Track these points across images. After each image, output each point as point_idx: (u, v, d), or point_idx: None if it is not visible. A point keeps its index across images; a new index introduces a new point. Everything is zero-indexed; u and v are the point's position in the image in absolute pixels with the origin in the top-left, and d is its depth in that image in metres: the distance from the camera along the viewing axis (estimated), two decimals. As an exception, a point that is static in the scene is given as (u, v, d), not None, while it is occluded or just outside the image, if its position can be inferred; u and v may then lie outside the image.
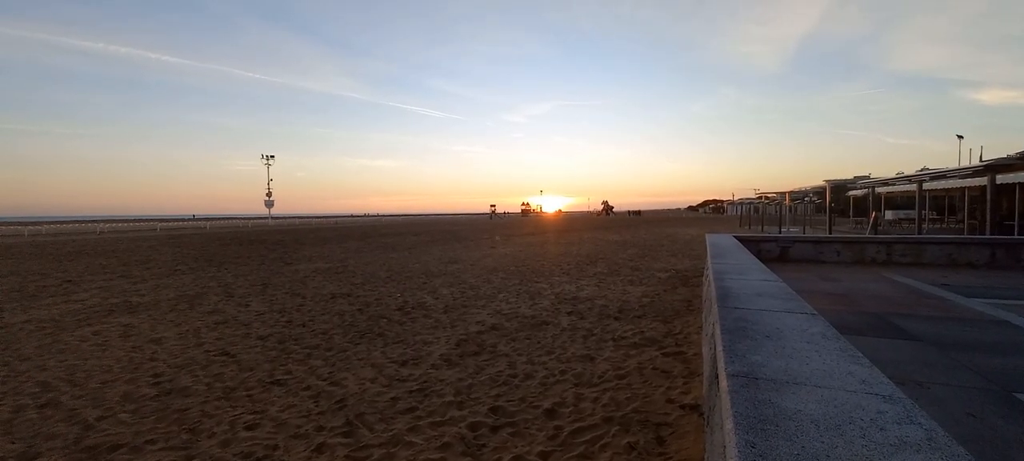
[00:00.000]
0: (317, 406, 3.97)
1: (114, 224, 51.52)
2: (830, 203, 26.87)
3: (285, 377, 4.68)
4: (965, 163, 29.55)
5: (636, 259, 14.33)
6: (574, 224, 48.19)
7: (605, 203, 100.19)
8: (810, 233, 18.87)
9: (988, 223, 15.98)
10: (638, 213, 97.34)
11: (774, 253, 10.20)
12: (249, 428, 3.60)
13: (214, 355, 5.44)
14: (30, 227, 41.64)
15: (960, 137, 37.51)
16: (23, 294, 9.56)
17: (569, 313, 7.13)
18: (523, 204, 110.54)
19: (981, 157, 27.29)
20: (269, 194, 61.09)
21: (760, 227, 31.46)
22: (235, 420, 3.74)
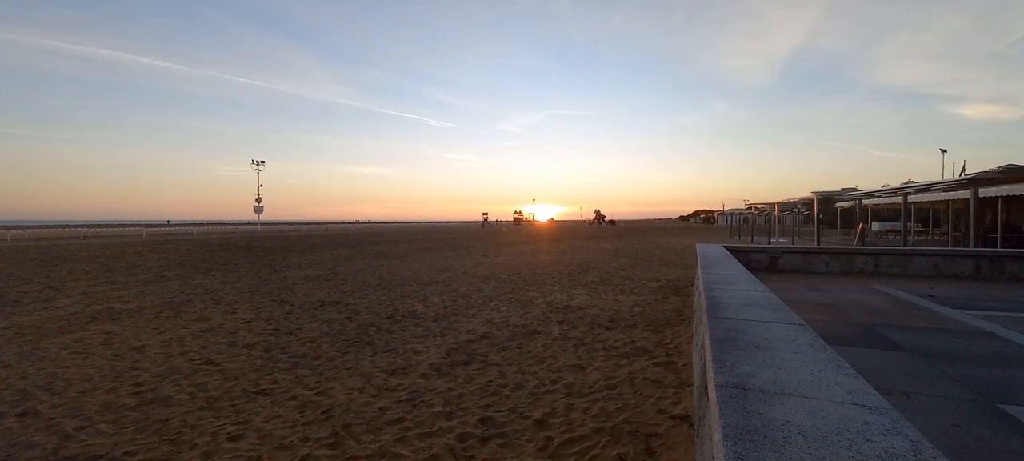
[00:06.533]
0: (303, 416, 3.90)
1: (99, 229, 50.66)
2: (818, 214, 27.18)
3: (271, 387, 4.60)
4: (948, 176, 30.15)
5: (628, 268, 14.37)
6: (566, 233, 48.30)
7: (597, 212, 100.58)
8: (799, 244, 19.09)
9: (972, 236, 16.28)
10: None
11: (764, 263, 10.29)
12: (232, 439, 3.53)
13: (198, 364, 5.33)
14: (13, 231, 40.79)
15: (943, 151, 38.42)
16: (4, 300, 9.34)
17: (560, 322, 7.11)
18: (515, 212, 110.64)
19: (963, 170, 27.87)
20: (259, 200, 60.56)
21: (750, 238, 31.76)
22: (218, 431, 3.66)
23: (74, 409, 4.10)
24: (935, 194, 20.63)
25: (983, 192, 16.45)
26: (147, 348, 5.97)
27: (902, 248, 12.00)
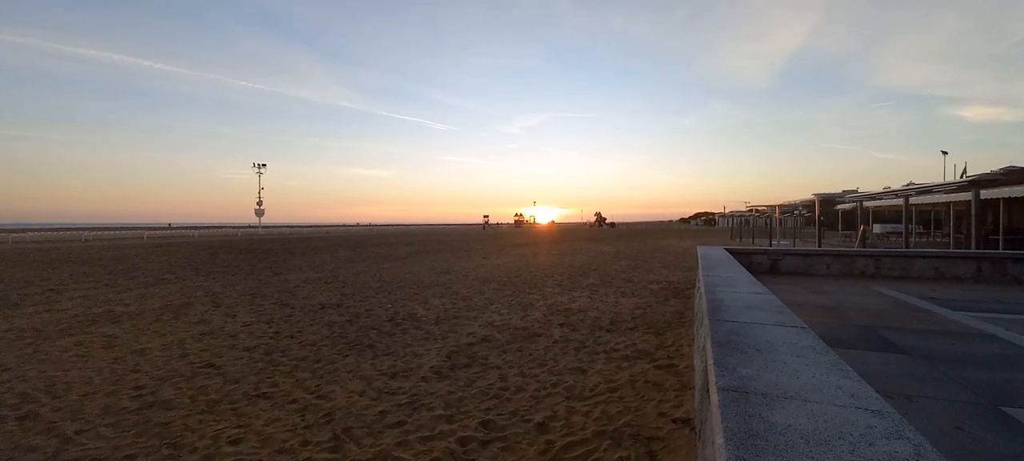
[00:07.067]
0: (303, 420, 3.90)
1: (100, 231, 50.77)
2: (819, 216, 27.16)
3: (271, 390, 4.60)
4: (949, 178, 30.13)
5: (628, 271, 14.36)
6: (567, 235, 48.29)
7: (598, 215, 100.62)
8: (800, 246, 19.06)
9: (974, 238, 16.25)
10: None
11: (765, 266, 10.27)
12: (233, 443, 3.52)
13: (199, 367, 5.33)
14: (14, 234, 40.83)
15: (945, 153, 38.35)
16: (5, 303, 9.34)
17: (561, 325, 7.10)
18: (516, 215, 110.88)
19: (965, 172, 27.84)
20: (260, 202, 60.62)
21: (751, 240, 31.74)
22: (218, 434, 3.65)
23: (75, 412, 4.09)
24: (936, 196, 20.61)
25: (984, 194, 16.43)
26: (148, 351, 5.97)
27: (903, 250, 11.98)
